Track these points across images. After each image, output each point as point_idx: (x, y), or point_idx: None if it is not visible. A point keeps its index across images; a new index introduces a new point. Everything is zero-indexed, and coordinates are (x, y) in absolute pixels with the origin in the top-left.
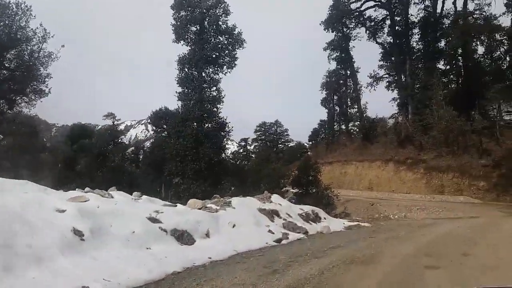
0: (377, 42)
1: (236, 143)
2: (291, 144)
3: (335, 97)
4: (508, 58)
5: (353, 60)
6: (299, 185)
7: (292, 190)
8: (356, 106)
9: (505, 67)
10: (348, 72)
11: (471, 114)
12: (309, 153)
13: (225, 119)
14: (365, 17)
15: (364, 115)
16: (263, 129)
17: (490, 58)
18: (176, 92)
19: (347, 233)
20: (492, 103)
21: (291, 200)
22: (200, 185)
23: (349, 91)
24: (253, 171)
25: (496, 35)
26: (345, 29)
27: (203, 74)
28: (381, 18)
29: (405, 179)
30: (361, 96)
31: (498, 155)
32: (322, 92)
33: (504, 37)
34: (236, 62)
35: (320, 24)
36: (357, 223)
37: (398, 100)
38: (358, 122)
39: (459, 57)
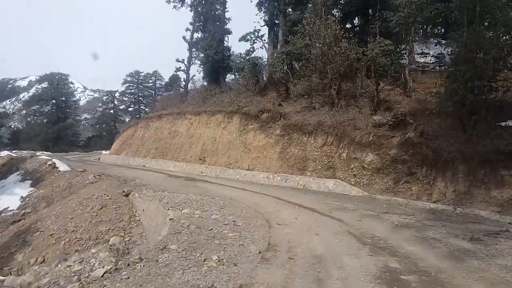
0: None
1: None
2: None
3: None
4: None
5: None
6: None
7: None
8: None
9: None
10: None
11: (367, 40)
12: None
13: None
14: None
15: (217, 39)
16: (135, 80)
17: None
18: None
19: None
20: (400, 16)
21: None
22: None
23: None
24: None
25: None
26: None
27: None
28: None
29: (252, 144)
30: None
31: (403, 110)
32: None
33: None
34: None
35: None
36: None
37: (266, 18)
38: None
39: None
